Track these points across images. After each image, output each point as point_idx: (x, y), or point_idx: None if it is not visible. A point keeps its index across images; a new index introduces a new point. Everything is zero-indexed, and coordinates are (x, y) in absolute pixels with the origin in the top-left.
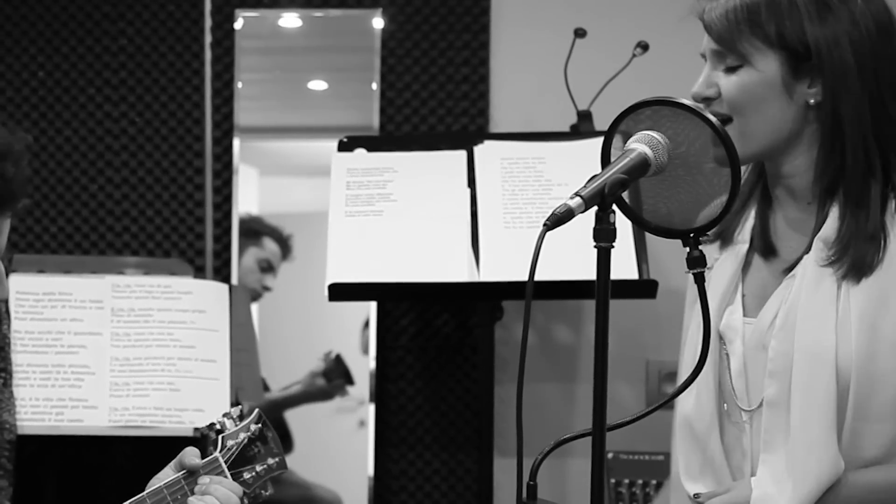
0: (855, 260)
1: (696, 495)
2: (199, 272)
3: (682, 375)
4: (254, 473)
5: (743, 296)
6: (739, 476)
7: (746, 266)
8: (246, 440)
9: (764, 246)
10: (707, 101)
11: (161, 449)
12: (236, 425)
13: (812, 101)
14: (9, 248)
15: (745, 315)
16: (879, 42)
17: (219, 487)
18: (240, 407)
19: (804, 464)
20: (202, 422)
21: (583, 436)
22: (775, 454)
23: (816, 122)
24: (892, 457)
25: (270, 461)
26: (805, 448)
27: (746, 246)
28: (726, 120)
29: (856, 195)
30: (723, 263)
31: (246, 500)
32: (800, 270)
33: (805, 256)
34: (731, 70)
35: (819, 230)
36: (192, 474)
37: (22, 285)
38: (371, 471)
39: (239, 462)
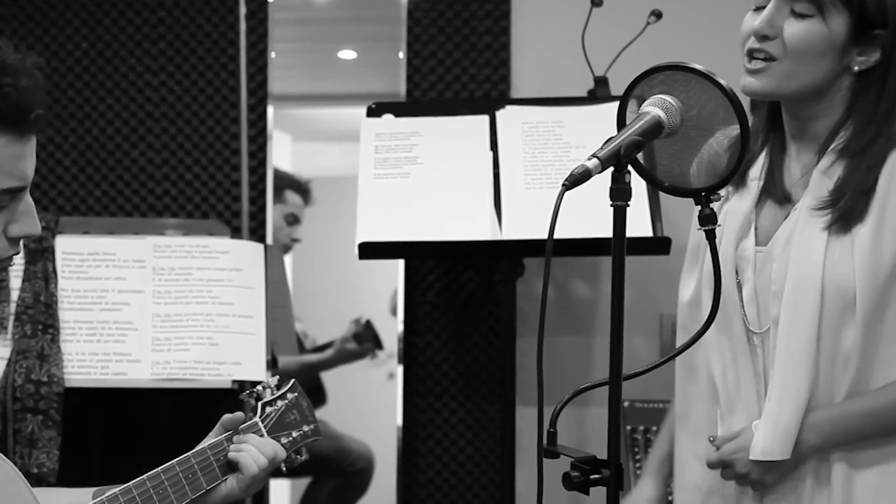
0: (845, 211)
1: (711, 438)
2: (236, 232)
3: (688, 301)
4: (290, 439)
5: (755, 228)
6: (751, 394)
7: (760, 201)
8: (283, 408)
9: (780, 194)
10: (765, 38)
11: (201, 400)
12: (274, 394)
13: (857, 67)
14: (55, 211)
15: (757, 244)
16: None
17: (254, 437)
18: (277, 377)
19: (784, 374)
20: (240, 374)
21: (600, 385)
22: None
23: (852, 83)
24: (875, 375)
25: (306, 428)
26: (786, 357)
27: (761, 183)
28: (771, 59)
29: (877, 158)
30: (738, 201)
31: (283, 466)
32: (801, 201)
33: (806, 190)
34: (800, 16)
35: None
36: (235, 434)
37: (68, 246)
38: (400, 420)
39: (276, 428)
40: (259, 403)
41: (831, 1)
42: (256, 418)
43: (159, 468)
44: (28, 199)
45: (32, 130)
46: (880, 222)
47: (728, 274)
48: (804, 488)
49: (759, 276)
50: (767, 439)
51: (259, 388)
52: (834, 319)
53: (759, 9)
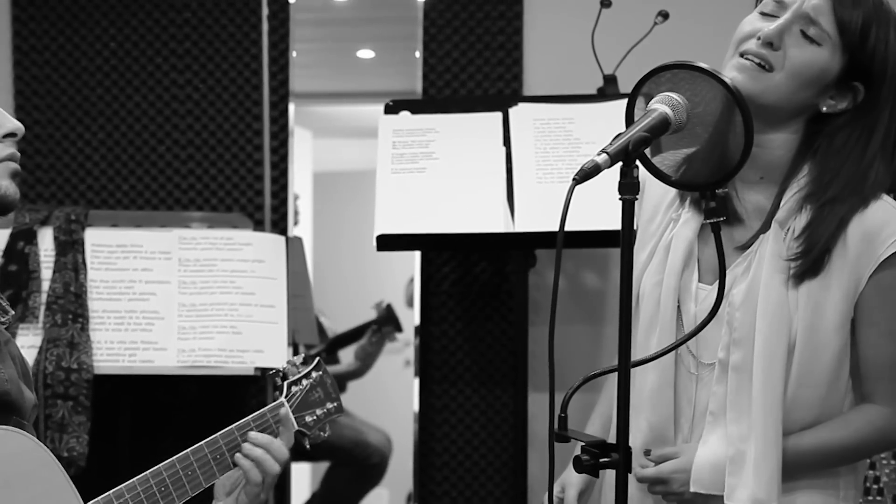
0: (810, 267)
1: (647, 452)
2: (259, 225)
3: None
4: (315, 417)
5: (698, 261)
6: (683, 419)
7: (703, 233)
8: (308, 387)
9: (730, 214)
10: (769, 46)
11: (225, 387)
12: (299, 372)
13: (825, 109)
14: (84, 204)
15: (700, 280)
16: None
17: (259, 437)
18: (301, 354)
19: (764, 423)
20: (262, 362)
21: (609, 372)
22: (741, 413)
23: (807, 120)
24: (821, 417)
25: (329, 405)
26: (764, 407)
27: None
28: (770, 67)
29: (849, 211)
30: (683, 227)
31: (306, 442)
32: (758, 249)
33: (762, 235)
34: (809, 40)
35: (775, 212)
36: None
37: (97, 238)
38: (416, 406)
39: (302, 407)
40: (285, 383)
41: (840, 38)
42: (282, 398)
43: (174, 457)
44: None
45: None
46: (828, 281)
47: (670, 304)
48: None
49: (702, 312)
50: (759, 486)
51: (286, 365)
52: (787, 364)
53: (765, 15)
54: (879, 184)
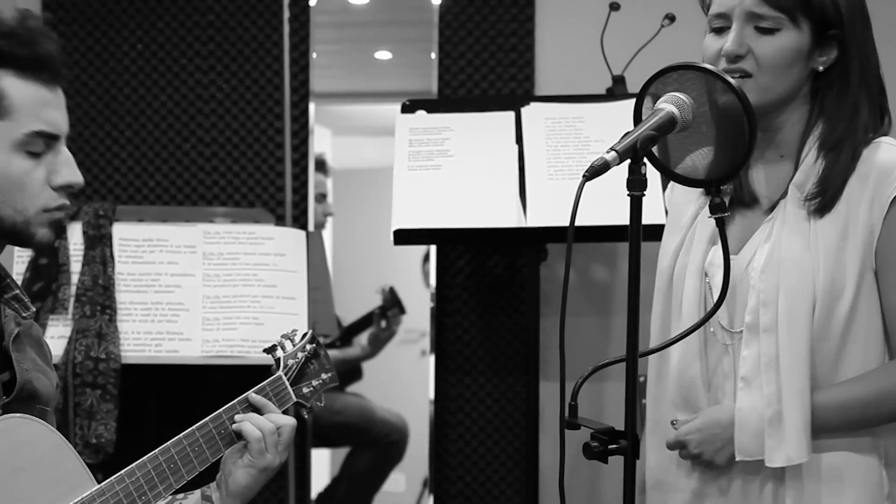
0: (830, 199)
1: (674, 421)
2: (280, 220)
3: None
4: (311, 388)
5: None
6: (721, 394)
7: (729, 209)
8: (303, 359)
9: (749, 197)
10: (738, 57)
11: (247, 376)
12: (294, 346)
13: (821, 67)
14: (112, 200)
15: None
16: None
17: (253, 417)
18: (295, 329)
19: (790, 380)
20: (282, 352)
21: (618, 361)
22: (774, 373)
23: (810, 84)
24: (838, 372)
25: (324, 376)
26: (789, 363)
27: (729, 197)
28: (747, 75)
29: (856, 148)
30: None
31: (305, 413)
32: (778, 213)
33: (781, 201)
34: (766, 32)
35: (792, 178)
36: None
37: (124, 233)
38: (432, 395)
39: (299, 378)
40: (281, 357)
41: (792, 14)
42: (280, 372)
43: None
44: (65, 151)
45: (48, 73)
46: (845, 230)
47: (696, 278)
48: (759, 474)
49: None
50: (790, 444)
51: (280, 340)
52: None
53: (716, 30)
54: (872, 112)
